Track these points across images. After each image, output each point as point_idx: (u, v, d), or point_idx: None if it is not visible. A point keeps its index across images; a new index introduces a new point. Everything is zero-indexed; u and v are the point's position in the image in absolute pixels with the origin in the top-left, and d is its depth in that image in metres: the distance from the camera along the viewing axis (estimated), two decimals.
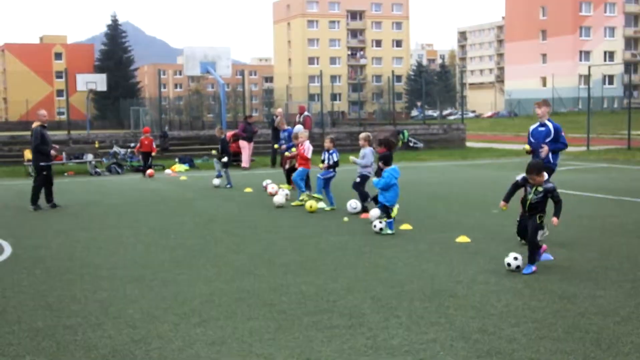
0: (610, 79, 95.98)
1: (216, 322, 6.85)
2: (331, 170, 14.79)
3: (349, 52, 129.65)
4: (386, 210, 11.72)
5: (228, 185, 19.33)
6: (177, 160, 27.60)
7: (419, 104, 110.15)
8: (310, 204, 14.32)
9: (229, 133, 27.34)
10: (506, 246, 9.95)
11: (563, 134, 11.17)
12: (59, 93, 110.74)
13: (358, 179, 14.03)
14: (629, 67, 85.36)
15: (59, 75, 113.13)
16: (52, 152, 15.78)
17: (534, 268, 8.64)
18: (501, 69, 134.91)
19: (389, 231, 11.53)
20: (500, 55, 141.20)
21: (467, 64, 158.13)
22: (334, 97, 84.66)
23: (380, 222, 11.65)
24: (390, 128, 35.75)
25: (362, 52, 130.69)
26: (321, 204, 14.65)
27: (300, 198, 15.34)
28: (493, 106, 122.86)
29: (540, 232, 10.61)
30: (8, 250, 10.84)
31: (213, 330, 6.62)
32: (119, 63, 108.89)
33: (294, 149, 16.50)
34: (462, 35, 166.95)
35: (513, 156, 29.36)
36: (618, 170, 22.98)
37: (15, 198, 17.76)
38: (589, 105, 35.04)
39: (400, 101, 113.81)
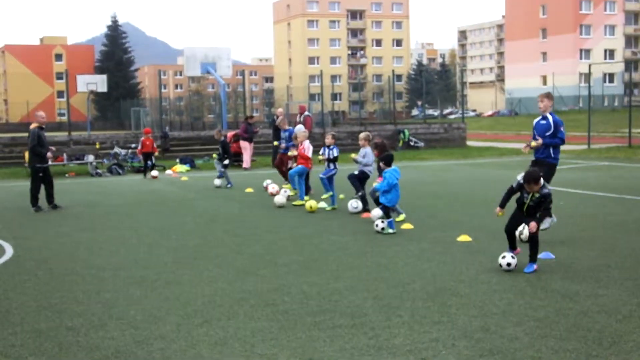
0: (611, 77, 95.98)
1: (218, 323, 6.86)
2: (332, 168, 14.81)
3: (349, 52, 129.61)
4: (386, 211, 11.73)
5: (229, 185, 19.36)
6: (178, 160, 27.62)
7: (419, 103, 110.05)
8: (310, 204, 14.34)
9: (230, 133, 27.38)
10: (508, 245, 9.93)
11: (562, 129, 11.05)
12: (60, 94, 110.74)
13: (356, 172, 14.12)
14: (630, 65, 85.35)
15: (59, 76, 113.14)
16: (48, 154, 15.74)
17: (535, 267, 8.64)
18: (501, 67, 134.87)
19: (391, 230, 11.53)
20: (501, 54, 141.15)
21: (468, 63, 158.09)
22: (334, 96, 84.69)
23: (382, 222, 11.65)
24: (390, 127, 35.78)
25: (362, 52, 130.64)
26: (322, 204, 14.66)
27: (292, 193, 15.57)
28: (493, 105, 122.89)
29: (549, 220, 10.62)
30: (10, 251, 10.84)
31: (215, 330, 6.63)
32: (119, 64, 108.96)
33: (294, 150, 16.50)
34: (463, 34, 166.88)
35: (514, 155, 29.37)
36: (619, 168, 22.97)
37: (16, 199, 17.76)
38: (590, 104, 35.02)
39: (400, 100, 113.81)
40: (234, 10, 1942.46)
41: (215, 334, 6.53)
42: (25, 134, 16.02)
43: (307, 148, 15.64)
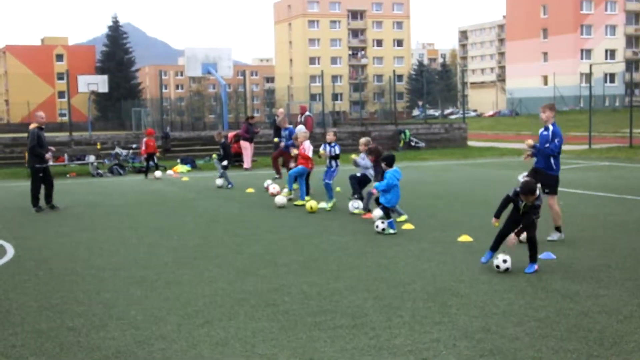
0: (612, 77, 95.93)
1: (219, 323, 6.86)
2: (334, 166, 14.82)
3: (350, 52, 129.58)
4: (386, 211, 11.73)
5: (229, 186, 19.37)
6: (179, 161, 27.62)
7: (420, 103, 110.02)
8: (311, 204, 14.34)
9: (231, 134, 27.38)
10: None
11: (557, 141, 10.80)
12: (61, 95, 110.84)
13: (358, 174, 14.16)
14: (630, 65, 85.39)
15: (60, 76, 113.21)
16: (48, 155, 15.73)
17: (536, 267, 8.64)
18: (502, 67, 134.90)
19: (391, 231, 11.54)
20: (502, 54, 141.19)
21: (468, 63, 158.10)
22: (335, 97, 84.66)
23: (382, 222, 11.65)
24: (391, 128, 35.77)
25: (363, 52, 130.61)
26: (322, 204, 14.67)
27: (285, 193, 15.61)
28: (494, 105, 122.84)
29: (557, 235, 10.62)
30: (11, 252, 10.85)
31: (216, 330, 6.63)
32: (120, 64, 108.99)
33: (295, 150, 16.50)
34: (463, 34, 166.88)
35: (515, 155, 29.35)
36: (620, 169, 22.97)
37: (17, 199, 17.77)
38: (591, 104, 35.03)
39: (401, 101, 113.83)
40: (235, 10, 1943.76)
41: (216, 334, 6.53)
42: (26, 134, 16.02)
43: (307, 148, 15.65)
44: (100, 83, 51.78)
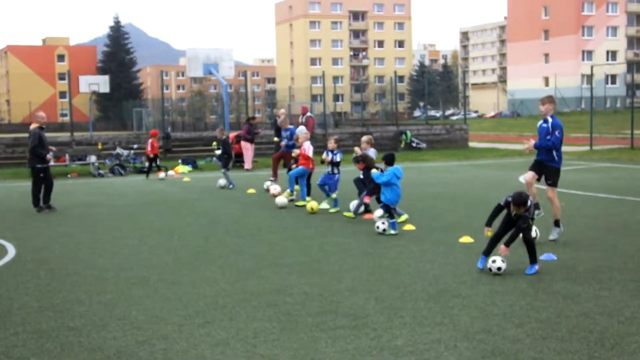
0: (613, 78, 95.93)
1: (220, 323, 6.86)
2: (336, 173, 14.78)
3: (351, 53, 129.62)
4: (388, 210, 11.74)
5: (230, 186, 19.39)
6: (180, 161, 27.63)
7: (421, 104, 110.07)
8: (312, 205, 14.34)
9: (232, 134, 27.38)
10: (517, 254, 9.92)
11: (558, 133, 10.77)
12: (62, 95, 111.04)
13: (362, 176, 14.13)
14: (632, 66, 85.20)
15: (61, 77, 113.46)
16: (48, 155, 15.72)
17: (537, 267, 8.63)
18: (504, 69, 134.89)
19: (393, 232, 11.54)
20: (503, 55, 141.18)
21: (470, 64, 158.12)
22: (336, 97, 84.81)
23: (384, 223, 11.65)
24: (392, 129, 35.78)
25: (364, 53, 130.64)
26: (324, 205, 14.66)
27: (286, 194, 15.61)
28: (496, 106, 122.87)
29: (536, 212, 10.60)
30: (12, 252, 10.86)
31: (217, 331, 6.63)
32: (121, 64, 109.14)
33: (297, 150, 16.47)
34: (465, 35, 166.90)
35: (516, 156, 29.35)
36: (621, 170, 22.96)
37: (18, 200, 17.77)
38: (592, 105, 35.01)
39: (402, 102, 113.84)
40: (236, 11, 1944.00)
41: (217, 334, 6.54)
42: (27, 135, 16.01)
43: (308, 149, 15.65)
44: (102, 83, 51.79)
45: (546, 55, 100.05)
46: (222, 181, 19.59)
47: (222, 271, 9.15)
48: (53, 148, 16.46)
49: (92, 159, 25.57)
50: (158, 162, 23.86)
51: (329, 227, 12.56)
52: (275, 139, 21.62)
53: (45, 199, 15.75)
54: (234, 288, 8.23)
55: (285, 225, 12.91)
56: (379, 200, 12.19)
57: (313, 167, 15.88)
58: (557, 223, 10.71)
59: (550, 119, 10.89)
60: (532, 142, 10.90)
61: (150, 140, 23.60)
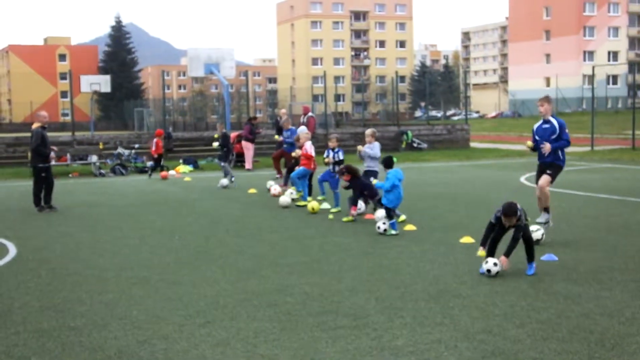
0: (614, 79, 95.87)
1: (221, 323, 6.87)
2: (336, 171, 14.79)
3: (353, 53, 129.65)
4: (389, 212, 11.75)
5: (232, 179, 19.60)
6: (181, 161, 27.64)
7: (422, 104, 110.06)
8: (313, 205, 14.35)
9: (233, 134, 27.39)
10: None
11: (567, 130, 11.01)
12: (63, 94, 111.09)
13: (366, 172, 14.15)
14: (633, 67, 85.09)
15: (63, 76, 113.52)
16: (51, 154, 15.75)
17: (534, 265, 8.64)
18: (505, 69, 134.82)
19: (393, 232, 11.54)
20: (504, 55, 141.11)
21: (471, 65, 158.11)
22: (337, 97, 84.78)
23: (384, 223, 11.66)
24: (394, 129, 35.78)
25: (365, 53, 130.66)
26: (325, 205, 14.67)
27: (297, 195, 15.53)
28: (497, 106, 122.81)
29: (546, 217, 10.62)
30: (13, 251, 10.87)
31: (218, 331, 6.64)
32: (122, 64, 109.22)
33: (298, 151, 16.45)
34: (466, 35, 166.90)
35: (517, 156, 29.36)
36: (622, 170, 22.95)
37: (19, 199, 17.79)
38: (593, 106, 35.00)
39: (404, 102, 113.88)
40: (238, 10, 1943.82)
41: (218, 334, 6.54)
42: (29, 134, 16.03)
43: (310, 148, 15.66)
44: (103, 83, 51.80)
45: (547, 55, 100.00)
46: (224, 181, 19.61)
47: (223, 271, 9.16)
48: (55, 148, 16.47)
49: (94, 158, 25.59)
50: (162, 162, 23.80)
51: (329, 227, 12.57)
52: (277, 137, 21.70)
53: (46, 198, 15.75)
54: (235, 288, 8.23)
55: (285, 225, 12.92)
56: (380, 203, 12.20)
57: (314, 168, 15.89)
58: (547, 210, 10.81)
59: (553, 120, 10.91)
60: (549, 145, 10.85)
61: (155, 140, 23.57)
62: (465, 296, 7.64)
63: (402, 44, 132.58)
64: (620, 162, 26.02)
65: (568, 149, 11.72)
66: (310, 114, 25.63)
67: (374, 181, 12.79)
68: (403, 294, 7.79)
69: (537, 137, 11.15)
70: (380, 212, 12.37)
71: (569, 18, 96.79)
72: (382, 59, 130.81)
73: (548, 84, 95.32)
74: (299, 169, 15.83)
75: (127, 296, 7.98)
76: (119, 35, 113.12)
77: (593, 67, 36.22)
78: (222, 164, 20.24)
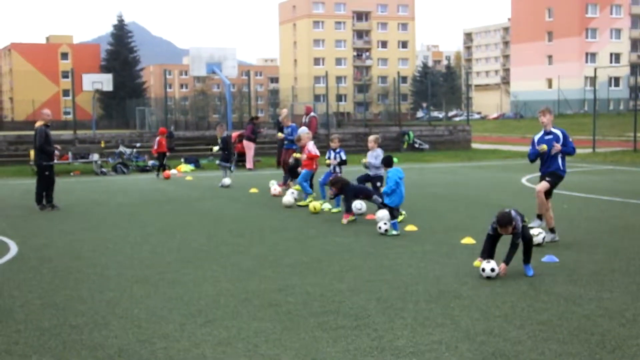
0: (616, 80, 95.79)
1: (222, 323, 6.87)
2: (338, 173, 14.78)
3: (355, 53, 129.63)
4: (391, 211, 11.75)
5: (232, 168, 19.91)
6: (182, 160, 27.65)
7: (424, 105, 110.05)
8: (314, 205, 14.35)
9: (235, 134, 27.41)
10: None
11: (570, 139, 11.03)
12: (65, 93, 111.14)
13: (371, 173, 14.12)
14: (635, 69, 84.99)
15: (65, 75, 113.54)
16: (56, 152, 15.78)
17: (531, 266, 8.65)
18: (507, 70, 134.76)
19: (394, 232, 11.54)
20: (506, 56, 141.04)
21: (473, 66, 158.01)
22: (339, 98, 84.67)
23: (386, 224, 11.66)
24: (395, 129, 35.78)
25: (367, 53, 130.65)
26: (326, 205, 14.66)
27: (308, 200, 15.38)
28: (499, 108, 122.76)
29: (551, 237, 10.63)
30: (14, 249, 10.88)
31: (219, 330, 6.64)
32: (125, 63, 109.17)
33: (303, 154, 16.35)
34: (468, 36, 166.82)
35: (519, 158, 29.34)
36: (624, 172, 22.94)
37: (21, 197, 17.81)
38: (595, 107, 35.00)
39: (405, 102, 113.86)
40: (240, 10, 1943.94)
41: (219, 333, 6.55)
42: (30, 132, 16.05)
43: (313, 148, 15.64)
44: (105, 82, 51.78)
45: (549, 57, 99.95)
46: (227, 180, 19.62)
47: (224, 270, 9.16)
48: (58, 147, 16.50)
49: (95, 157, 25.61)
50: (166, 161, 23.75)
51: (330, 227, 12.57)
52: (279, 134, 21.75)
53: (48, 198, 15.76)
54: (236, 287, 8.24)
55: (287, 225, 12.92)
56: (383, 204, 12.21)
57: (316, 168, 15.88)
58: (539, 217, 10.81)
59: (556, 130, 10.90)
60: (559, 146, 10.81)
61: (158, 138, 23.52)
62: (466, 297, 7.64)
63: (404, 45, 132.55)
64: (622, 164, 26.02)
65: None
66: (312, 114, 25.68)
67: (380, 188, 12.82)
68: (404, 294, 7.80)
69: (538, 149, 11.07)
70: (382, 213, 12.37)
71: (571, 19, 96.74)
72: (384, 60, 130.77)
73: (550, 86, 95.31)
74: (303, 172, 15.74)
75: (128, 295, 7.98)
76: (121, 34, 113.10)
77: (595, 69, 36.21)
78: (221, 163, 20.33)
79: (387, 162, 12.21)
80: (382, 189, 12.58)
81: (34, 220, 14.08)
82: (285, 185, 18.25)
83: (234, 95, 76.78)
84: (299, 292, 7.95)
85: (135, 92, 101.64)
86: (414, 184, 18.55)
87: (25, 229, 13.00)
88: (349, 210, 13.11)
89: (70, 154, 25.91)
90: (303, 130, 17.41)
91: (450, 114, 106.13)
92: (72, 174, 24.77)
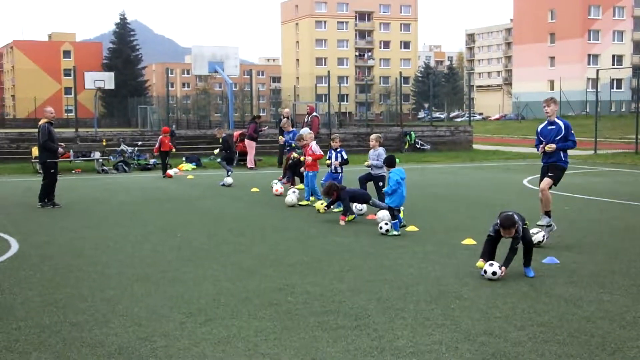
0: (619, 82, 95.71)
1: (222, 322, 6.87)
2: (339, 173, 14.77)
3: (357, 53, 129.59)
4: (392, 212, 11.75)
5: (229, 171, 20.04)
6: (184, 159, 27.65)
7: (426, 105, 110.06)
8: (319, 204, 14.31)
9: (236, 133, 27.42)
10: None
11: (573, 132, 11.00)
12: (67, 91, 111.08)
13: (373, 173, 14.11)
14: (638, 71, 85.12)
15: (67, 73, 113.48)
16: (60, 149, 15.81)
17: (531, 268, 8.66)
18: (509, 71, 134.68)
19: (395, 232, 11.54)
20: (508, 57, 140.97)
21: (475, 66, 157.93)
22: (341, 98, 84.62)
23: (386, 224, 11.66)
24: (397, 129, 35.78)
25: (370, 53, 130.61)
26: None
27: (312, 200, 15.41)
28: (500, 109, 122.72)
29: (546, 220, 10.61)
30: (15, 247, 10.88)
31: (219, 329, 6.64)
32: (127, 61, 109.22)
33: (302, 157, 16.32)
34: (470, 37, 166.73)
35: (520, 159, 29.34)
36: (625, 174, 22.94)
37: (23, 195, 17.82)
38: (597, 109, 34.98)
39: (407, 103, 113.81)
40: (242, 9, 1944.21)
41: (219, 332, 6.55)
42: (32, 130, 16.06)
43: (316, 149, 15.62)
44: (107, 80, 51.86)
45: (552, 58, 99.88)
46: (229, 179, 19.63)
47: (225, 269, 9.16)
48: (63, 144, 16.51)
49: (97, 155, 25.63)
50: (168, 160, 23.70)
51: (331, 227, 12.57)
52: (281, 137, 21.77)
53: (50, 196, 15.76)
54: (236, 286, 8.24)
55: (288, 225, 12.92)
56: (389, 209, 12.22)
57: (317, 169, 15.88)
58: (547, 214, 10.78)
59: (559, 121, 10.89)
60: (554, 145, 10.83)
61: (160, 137, 23.48)
62: (467, 298, 7.64)
63: (406, 45, 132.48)
64: (623, 166, 26.02)
65: (571, 152, 11.70)
66: (314, 113, 25.69)
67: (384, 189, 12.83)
68: (404, 294, 7.80)
69: (541, 139, 11.11)
70: (382, 213, 12.38)
71: (573, 21, 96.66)
72: (386, 60, 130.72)
73: (552, 87, 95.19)
74: (310, 175, 15.64)
75: (128, 293, 7.99)
76: (124, 32, 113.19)
77: (597, 71, 36.18)
78: (221, 161, 20.40)
79: (390, 163, 12.21)
80: (384, 189, 12.59)
81: (35, 218, 14.09)
82: (289, 183, 18.29)
83: (236, 95, 76.80)
84: (300, 292, 7.95)
85: (137, 91, 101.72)
86: (415, 184, 18.55)
87: (26, 226, 13.01)
88: (346, 212, 13.10)
89: (71, 152, 25.91)
90: (305, 131, 17.40)
91: (452, 114, 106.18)
92: (73, 171, 24.79)
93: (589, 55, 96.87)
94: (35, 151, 23.97)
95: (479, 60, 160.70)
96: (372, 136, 14.29)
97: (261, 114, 77.22)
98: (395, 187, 11.77)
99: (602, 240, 11.12)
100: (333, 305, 7.41)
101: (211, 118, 74.96)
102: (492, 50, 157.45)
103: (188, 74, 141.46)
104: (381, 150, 14.04)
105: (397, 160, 12.38)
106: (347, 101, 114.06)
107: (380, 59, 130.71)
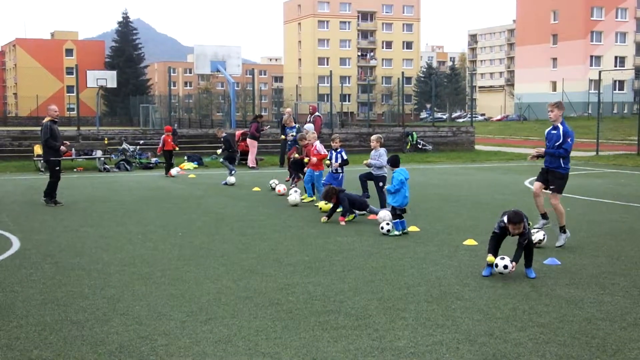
0: (621, 84, 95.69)
1: (223, 321, 6.88)
2: (340, 173, 14.76)
3: (359, 53, 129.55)
4: (394, 212, 11.75)
5: (233, 172, 19.82)
6: (185, 158, 27.65)
7: (428, 106, 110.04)
8: (322, 204, 14.30)
9: (238, 132, 27.43)
10: (514, 250, 9.90)
11: (570, 140, 10.77)
12: (69, 89, 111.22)
13: (375, 173, 14.10)
14: None
15: (69, 71, 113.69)
16: (62, 147, 15.84)
17: (532, 269, 8.67)
18: (511, 72, 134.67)
19: (397, 233, 11.54)
20: (511, 58, 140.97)
21: (477, 67, 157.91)
22: (343, 97, 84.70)
23: (388, 224, 11.66)
24: (399, 130, 35.77)
25: (372, 53, 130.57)
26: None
27: (326, 203, 15.41)
28: (502, 110, 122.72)
29: (564, 236, 10.59)
30: (17, 244, 10.89)
31: (219, 328, 6.65)
32: (129, 60, 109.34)
33: (306, 159, 16.30)
34: (473, 37, 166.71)
35: (522, 160, 29.32)
36: (627, 176, 22.92)
37: (24, 193, 17.83)
38: (599, 111, 34.96)
39: (409, 103, 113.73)
40: (245, 9, 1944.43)
41: (219, 331, 6.55)
42: (34, 128, 16.10)
43: (320, 148, 15.60)
44: (109, 78, 51.80)
45: (554, 59, 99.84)
46: (232, 179, 19.63)
47: (226, 268, 9.17)
48: (67, 142, 16.52)
49: (98, 153, 25.63)
50: (172, 159, 23.65)
51: (333, 226, 12.57)
52: (282, 137, 21.81)
53: (52, 194, 15.78)
54: (237, 286, 8.24)
55: (289, 224, 12.92)
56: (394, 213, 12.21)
57: (322, 167, 15.87)
58: (562, 229, 10.68)
59: (560, 126, 10.83)
60: (542, 150, 10.81)
61: (163, 137, 23.45)
62: (468, 299, 7.64)
63: (408, 45, 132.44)
64: (625, 168, 26.00)
65: (573, 154, 11.65)
66: (316, 113, 25.70)
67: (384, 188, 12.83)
68: (405, 295, 7.80)
69: (547, 142, 11.08)
70: (384, 213, 12.38)
71: (576, 22, 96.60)
72: (388, 60, 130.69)
73: (554, 88, 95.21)
74: (316, 175, 15.63)
75: (129, 291, 7.99)
76: (126, 31, 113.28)
77: (600, 72, 36.16)
78: (223, 160, 20.44)
79: (394, 162, 12.19)
80: (387, 187, 12.57)
81: (36, 216, 14.10)
82: (298, 180, 18.31)
83: (238, 94, 76.83)
84: (300, 291, 7.95)
85: (139, 89, 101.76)
86: (417, 184, 18.54)
87: (28, 224, 13.02)
88: (345, 213, 13.09)
89: (73, 150, 25.92)
90: (309, 127, 17.38)
91: (454, 115, 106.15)
92: (75, 170, 24.80)
93: (591, 56, 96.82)
94: (37, 149, 24.01)
95: (481, 60, 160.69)
96: (373, 137, 14.28)
97: (263, 114, 77.31)
98: (398, 187, 11.76)
99: (604, 241, 11.11)
100: (334, 305, 7.41)
101: (213, 117, 74.96)
102: (494, 51, 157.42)
103: (190, 73, 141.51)
104: (382, 150, 14.04)
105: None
106: (349, 101, 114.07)
107: (383, 59, 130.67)
